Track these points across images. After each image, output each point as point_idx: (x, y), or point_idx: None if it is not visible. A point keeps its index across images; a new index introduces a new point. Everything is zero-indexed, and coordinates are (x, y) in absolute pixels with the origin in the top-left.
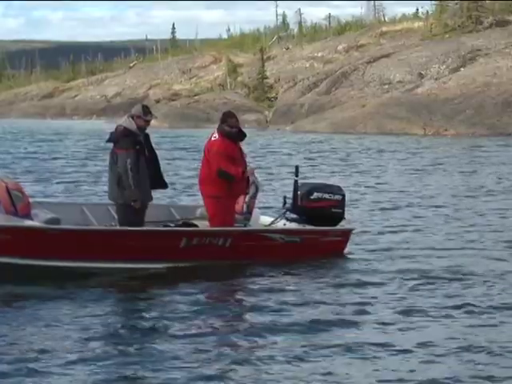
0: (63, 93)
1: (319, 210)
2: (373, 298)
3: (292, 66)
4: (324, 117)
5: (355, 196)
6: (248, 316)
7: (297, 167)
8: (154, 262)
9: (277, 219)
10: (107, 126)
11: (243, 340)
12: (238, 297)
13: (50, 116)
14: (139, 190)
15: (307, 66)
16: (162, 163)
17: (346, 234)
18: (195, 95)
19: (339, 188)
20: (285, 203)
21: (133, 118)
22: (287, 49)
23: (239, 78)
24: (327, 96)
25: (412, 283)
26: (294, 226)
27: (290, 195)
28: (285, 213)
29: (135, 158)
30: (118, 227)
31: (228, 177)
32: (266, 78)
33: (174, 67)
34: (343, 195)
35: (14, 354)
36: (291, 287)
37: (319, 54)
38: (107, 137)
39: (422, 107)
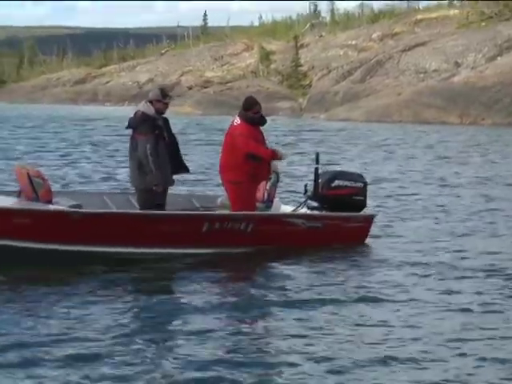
0: (95, 79)
1: (340, 197)
2: (394, 285)
3: (326, 54)
4: (359, 105)
5: (379, 183)
6: (268, 304)
7: (317, 154)
8: (175, 247)
9: (298, 207)
10: None
11: (259, 329)
12: (257, 283)
13: (82, 102)
14: (160, 173)
15: (341, 53)
16: (197, 149)
17: (368, 220)
18: (227, 82)
19: (360, 175)
20: (306, 191)
21: (151, 102)
22: (320, 36)
23: (272, 66)
24: (362, 84)
25: (433, 271)
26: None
27: (310, 183)
28: (306, 201)
29: (154, 142)
30: (137, 211)
31: (257, 158)
32: (300, 65)
33: (205, 54)
34: (365, 183)
35: (27, 341)
36: (310, 273)
37: (353, 42)
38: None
39: (458, 96)
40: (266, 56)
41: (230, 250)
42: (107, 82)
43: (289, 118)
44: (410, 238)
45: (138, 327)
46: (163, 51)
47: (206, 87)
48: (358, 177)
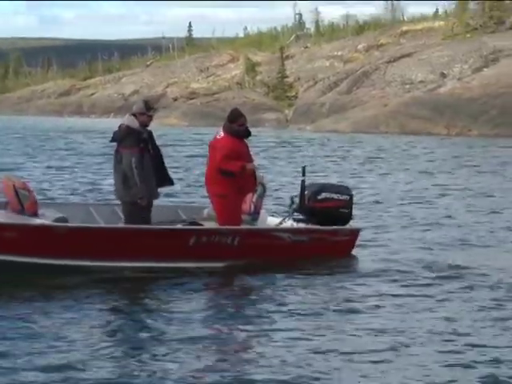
0: (80, 91)
1: (327, 210)
2: (380, 297)
3: (312, 65)
4: (345, 116)
5: (364, 195)
6: (253, 315)
7: (304, 167)
8: (161, 261)
9: (284, 220)
10: None
11: (249, 339)
12: (244, 297)
13: (67, 114)
14: (145, 187)
15: (327, 65)
16: (183, 161)
17: (354, 234)
18: (213, 94)
19: (347, 188)
20: (292, 203)
21: (135, 115)
22: (306, 47)
23: (258, 77)
24: (348, 95)
25: (420, 282)
26: (301, 225)
27: (297, 195)
28: (292, 213)
29: (139, 155)
30: (124, 225)
31: (229, 173)
32: (286, 76)
33: (191, 65)
34: (351, 195)
35: (22, 353)
36: (296, 286)
37: (339, 53)
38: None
39: (445, 107)
40: (251, 67)
41: (216, 263)
42: (92, 94)
43: (275, 129)
44: (394, 250)
45: (122, 339)
46: (148, 63)
47: (191, 98)
48: (344, 189)
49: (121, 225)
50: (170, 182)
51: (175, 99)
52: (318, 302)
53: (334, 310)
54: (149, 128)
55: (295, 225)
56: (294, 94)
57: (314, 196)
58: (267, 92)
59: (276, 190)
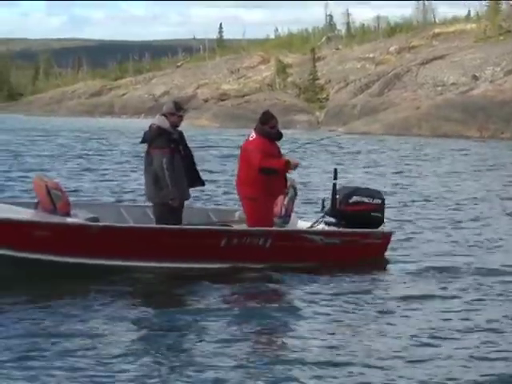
0: (111, 91)
1: (358, 213)
2: (411, 307)
3: (343, 67)
4: (377, 118)
5: (397, 199)
6: (281, 319)
7: (335, 170)
8: (193, 262)
9: (315, 223)
10: None
11: (270, 342)
12: (273, 297)
13: (99, 114)
14: (176, 188)
15: (358, 66)
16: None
17: (387, 237)
18: (243, 95)
19: (378, 192)
20: (323, 207)
21: (166, 116)
22: (337, 49)
23: (289, 79)
24: (380, 97)
25: (453, 285)
26: (333, 228)
27: (328, 198)
28: (323, 217)
29: (170, 156)
30: (156, 225)
31: (271, 171)
32: (318, 78)
33: (222, 67)
34: (383, 199)
35: (40, 352)
36: (328, 289)
37: (370, 55)
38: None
39: (477, 109)
40: (282, 69)
41: (247, 265)
42: (123, 95)
43: (306, 131)
44: (427, 253)
45: (152, 336)
46: (179, 64)
47: (222, 100)
48: (376, 193)
49: (152, 225)
50: (201, 183)
51: (206, 100)
52: (347, 305)
53: (365, 313)
54: (179, 129)
55: (327, 228)
56: (325, 95)
57: (345, 199)
58: (298, 94)
59: (307, 192)
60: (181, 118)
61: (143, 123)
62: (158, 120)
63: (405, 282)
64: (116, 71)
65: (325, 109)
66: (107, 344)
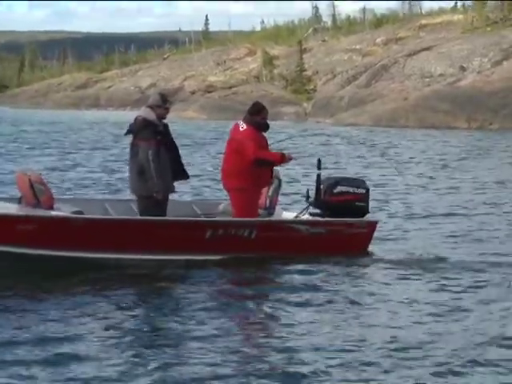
0: (97, 84)
1: (343, 203)
2: (398, 291)
3: (330, 59)
4: (365, 110)
5: (377, 187)
6: (267, 311)
7: (319, 160)
8: (178, 254)
9: (300, 214)
10: None
11: (260, 336)
12: (259, 291)
13: (85, 107)
14: (161, 180)
15: (345, 58)
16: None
17: (372, 226)
18: (230, 87)
19: (363, 181)
20: (308, 197)
21: (152, 108)
22: (323, 41)
23: (275, 71)
24: (367, 89)
25: (438, 276)
26: (318, 218)
27: (312, 189)
28: (308, 207)
29: (156, 148)
30: (140, 217)
31: (265, 162)
32: (305, 70)
33: (208, 59)
34: (367, 189)
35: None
36: (313, 280)
37: (357, 47)
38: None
39: (465, 100)
40: (269, 61)
41: (232, 256)
42: (109, 87)
43: (294, 122)
44: (412, 243)
45: (134, 328)
46: (165, 56)
47: (209, 92)
48: (360, 183)
49: (137, 217)
50: (186, 176)
51: (193, 92)
52: (333, 296)
53: (351, 302)
54: (165, 121)
55: (312, 218)
56: (312, 87)
57: (329, 189)
58: (285, 85)
59: (292, 183)
60: (167, 110)
61: (129, 115)
62: (144, 112)
63: (388, 271)
64: (102, 63)
65: (312, 100)
66: (91, 338)
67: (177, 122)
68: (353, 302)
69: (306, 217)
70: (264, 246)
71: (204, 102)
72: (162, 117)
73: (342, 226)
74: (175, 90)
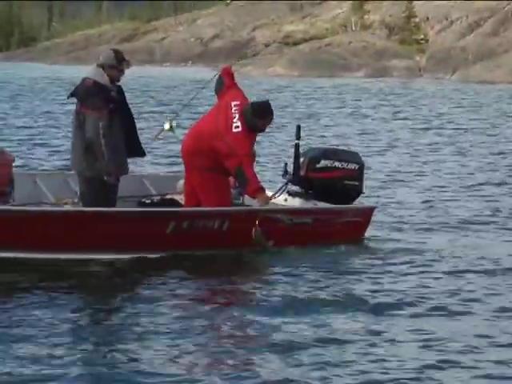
0: (146, 35)
1: (328, 181)
2: (395, 290)
3: (440, 2)
4: (499, 63)
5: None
6: (246, 314)
7: (298, 127)
8: (132, 252)
9: (276, 193)
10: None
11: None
12: (234, 291)
13: (136, 62)
14: (114, 160)
15: (460, 1)
16: None
17: (367, 214)
18: (311, 38)
19: (355, 154)
20: (286, 172)
21: (103, 68)
22: None
23: (372, 17)
24: (495, 38)
25: (442, 269)
26: (299, 202)
27: (291, 162)
28: (286, 185)
29: (108, 120)
30: (79, 208)
31: (244, 179)
32: (415, 16)
33: (281, 4)
34: (361, 164)
35: None
36: (298, 278)
37: None
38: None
39: None
40: (359, 5)
41: (198, 252)
42: (163, 39)
43: (406, 79)
44: (417, 231)
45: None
46: (228, 1)
47: (286, 43)
48: (351, 156)
49: (75, 208)
50: (142, 153)
51: (267, 45)
52: (319, 295)
53: (341, 302)
54: (122, 84)
55: (289, 199)
56: (422, 36)
57: (311, 164)
58: (388, 35)
59: (271, 155)
60: (122, 71)
61: (192, 72)
62: (95, 73)
63: (383, 270)
64: (148, 10)
65: (426, 53)
66: (46, 346)
67: (263, 81)
68: (346, 298)
69: (283, 197)
70: (240, 239)
71: (294, 56)
72: (116, 79)
73: (331, 214)
74: (245, 42)
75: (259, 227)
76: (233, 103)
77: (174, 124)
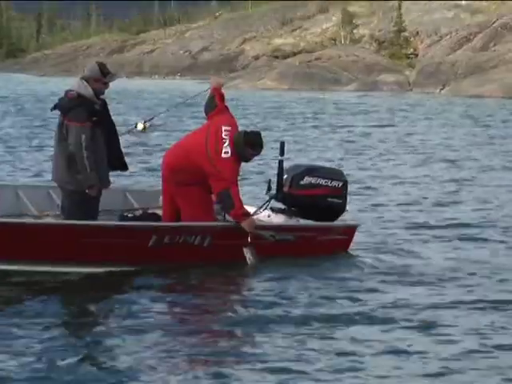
0: (135, 47)
1: (311, 198)
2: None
3: (430, 17)
4: (490, 78)
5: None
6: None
7: (282, 143)
8: (113, 265)
9: (259, 209)
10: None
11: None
12: (216, 304)
13: (126, 74)
14: (96, 173)
15: (450, 16)
16: None
17: (350, 232)
18: (301, 51)
19: (339, 172)
20: (269, 189)
21: (88, 81)
22: None
23: (361, 31)
24: (484, 53)
25: (427, 287)
26: (282, 219)
27: (275, 178)
28: (269, 201)
29: (91, 132)
30: (61, 221)
31: (230, 202)
32: (404, 30)
33: (270, 17)
34: (344, 181)
35: None
36: (279, 292)
37: (463, 3)
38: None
39: None
40: (348, 19)
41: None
42: (152, 51)
43: (396, 94)
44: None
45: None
46: (217, 14)
47: (275, 57)
48: (335, 174)
49: (56, 220)
50: (124, 167)
51: (256, 58)
52: (297, 310)
53: (319, 317)
54: (107, 97)
55: (273, 215)
56: (412, 51)
57: (295, 180)
58: (377, 49)
59: (258, 171)
60: (106, 84)
61: (182, 84)
62: (78, 85)
63: (370, 287)
64: (138, 23)
65: (416, 67)
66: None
67: (253, 93)
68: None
69: (266, 213)
70: (221, 255)
71: (283, 70)
72: (100, 93)
73: (314, 231)
74: (234, 55)
75: (250, 244)
76: (224, 127)
77: (147, 125)
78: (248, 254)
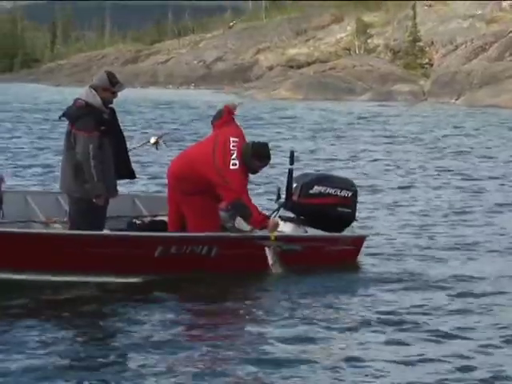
0: (149, 57)
1: (320, 207)
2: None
3: (445, 27)
4: (506, 88)
5: None
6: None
7: (292, 152)
8: (119, 276)
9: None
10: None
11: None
12: (223, 314)
13: (140, 84)
14: (103, 182)
15: (465, 26)
16: None
17: (358, 243)
18: (316, 61)
19: (349, 181)
20: (278, 197)
21: (96, 90)
22: (429, 6)
23: (376, 41)
24: (500, 63)
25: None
26: (290, 227)
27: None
28: (278, 209)
29: (99, 142)
30: (67, 231)
31: (247, 211)
32: (419, 40)
33: (285, 28)
34: (354, 191)
35: None
36: (286, 300)
37: (478, 12)
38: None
39: None
40: (363, 29)
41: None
42: (166, 61)
43: (410, 104)
44: (405, 260)
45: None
46: (231, 24)
47: (290, 66)
48: (345, 183)
49: (63, 231)
50: (132, 175)
51: (270, 68)
52: (305, 319)
53: (326, 327)
54: (116, 105)
55: (281, 224)
56: (427, 60)
57: (304, 189)
58: (392, 59)
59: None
60: (115, 94)
61: (196, 94)
62: (87, 94)
63: (378, 298)
64: (152, 33)
65: (431, 77)
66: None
67: (268, 104)
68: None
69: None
70: (228, 265)
71: (298, 79)
72: (108, 102)
73: (322, 241)
74: (248, 65)
75: (273, 247)
76: (232, 139)
77: (160, 141)
78: (270, 255)
